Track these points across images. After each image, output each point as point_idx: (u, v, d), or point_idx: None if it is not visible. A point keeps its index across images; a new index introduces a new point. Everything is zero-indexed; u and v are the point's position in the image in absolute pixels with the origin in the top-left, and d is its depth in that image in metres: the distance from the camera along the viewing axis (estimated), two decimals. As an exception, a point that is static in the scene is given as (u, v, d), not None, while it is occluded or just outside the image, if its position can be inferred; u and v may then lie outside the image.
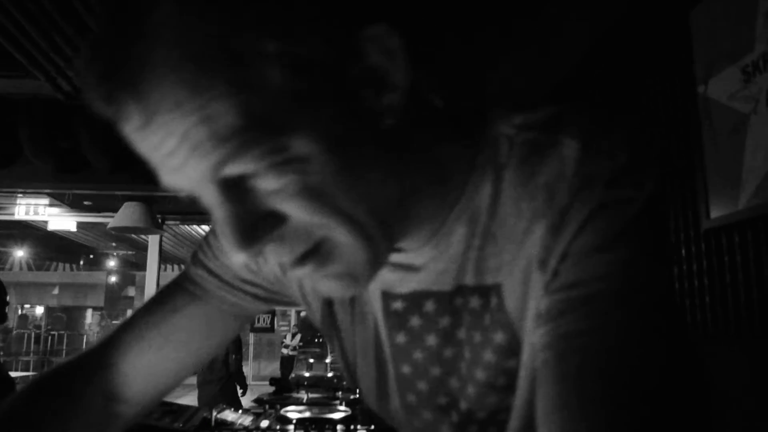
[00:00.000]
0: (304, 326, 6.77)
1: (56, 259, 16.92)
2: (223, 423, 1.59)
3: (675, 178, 1.38)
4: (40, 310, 19.95)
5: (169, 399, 2.04)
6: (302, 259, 0.52)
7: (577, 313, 0.50)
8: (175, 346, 0.78)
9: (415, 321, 0.66)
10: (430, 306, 0.64)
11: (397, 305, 0.66)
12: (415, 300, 0.65)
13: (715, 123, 1.18)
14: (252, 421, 1.65)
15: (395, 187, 0.54)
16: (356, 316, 0.72)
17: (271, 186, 0.47)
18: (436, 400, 0.69)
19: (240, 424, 1.60)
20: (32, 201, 6.80)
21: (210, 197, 0.51)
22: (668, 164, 1.41)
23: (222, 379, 5.77)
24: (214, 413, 1.61)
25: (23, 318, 19.92)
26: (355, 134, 0.50)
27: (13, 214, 7.04)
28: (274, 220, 0.49)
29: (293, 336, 11.95)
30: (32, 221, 8.07)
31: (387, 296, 0.67)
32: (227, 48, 0.44)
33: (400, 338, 0.68)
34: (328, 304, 0.75)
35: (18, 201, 6.78)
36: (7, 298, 2.30)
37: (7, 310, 2.30)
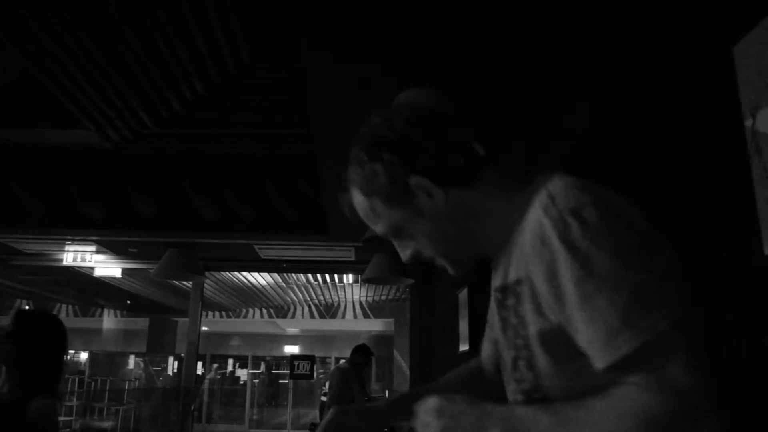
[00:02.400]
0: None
1: (101, 305, 17.19)
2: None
3: (725, 215, 1.35)
4: (84, 355, 20.23)
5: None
6: (425, 260, 1.14)
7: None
8: None
9: (507, 305, 1.05)
10: (507, 295, 1.05)
11: (498, 296, 1.09)
12: (507, 291, 1.06)
13: (765, 156, 1.15)
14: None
15: (467, 238, 1.10)
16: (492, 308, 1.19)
17: (409, 238, 1.12)
18: (512, 372, 1.07)
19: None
20: (80, 248, 6.97)
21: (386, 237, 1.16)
22: (717, 202, 1.38)
23: None
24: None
25: (68, 364, 20.19)
26: (430, 214, 1.07)
27: (61, 261, 7.22)
28: (415, 251, 1.13)
29: (332, 383, 11.83)
30: (79, 267, 8.25)
31: (494, 291, 1.12)
32: (391, 182, 1.06)
33: (503, 315, 1.08)
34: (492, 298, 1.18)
35: (66, 248, 6.96)
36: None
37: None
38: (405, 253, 1.13)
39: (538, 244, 0.91)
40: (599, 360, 0.84)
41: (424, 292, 7.28)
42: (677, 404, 0.79)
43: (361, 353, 6.78)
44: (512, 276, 1.02)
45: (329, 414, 1.27)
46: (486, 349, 1.39)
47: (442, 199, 1.04)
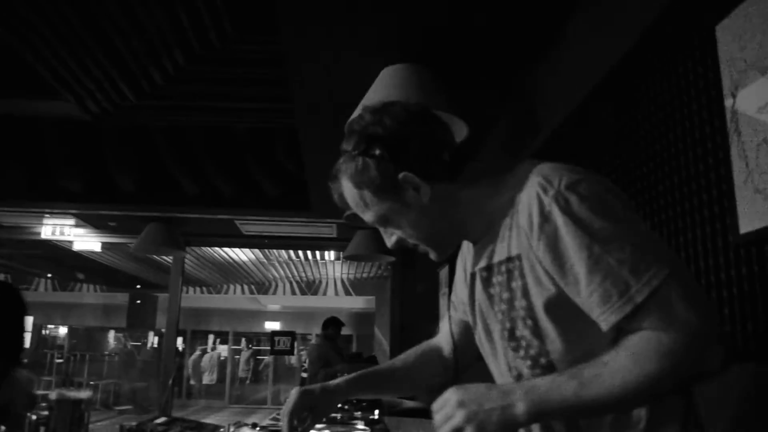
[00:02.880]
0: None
1: (80, 280, 17.06)
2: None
3: (702, 193, 1.37)
4: (63, 330, 20.10)
5: (193, 417, 2.05)
6: (409, 246, 1.23)
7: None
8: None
9: (494, 282, 1.15)
10: (493, 273, 1.15)
11: (483, 274, 1.18)
12: (487, 270, 1.17)
13: (744, 136, 1.17)
14: (271, 438, 1.65)
15: (451, 227, 1.19)
16: (474, 287, 1.23)
17: (395, 227, 1.20)
18: (508, 342, 1.13)
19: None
20: (58, 221, 6.89)
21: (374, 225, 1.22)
22: (696, 180, 1.40)
23: None
24: (232, 430, 1.60)
25: (46, 339, 20.09)
26: (416, 206, 1.14)
27: (39, 234, 7.13)
28: (400, 239, 1.22)
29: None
30: (58, 241, 8.17)
31: (479, 270, 1.19)
32: (382, 177, 1.14)
33: (490, 292, 1.17)
34: (471, 277, 1.25)
35: (44, 221, 6.87)
36: (24, 335, 2.29)
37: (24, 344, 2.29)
38: (390, 240, 1.22)
39: (539, 220, 1.01)
40: (612, 315, 0.94)
41: (405, 269, 7.31)
42: (688, 337, 0.89)
43: (333, 325, 6.85)
44: (501, 255, 1.12)
45: (292, 394, 1.32)
46: (446, 330, 1.48)
47: (428, 193, 1.14)
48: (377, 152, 1.13)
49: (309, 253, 10.87)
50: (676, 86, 1.51)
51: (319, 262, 12.09)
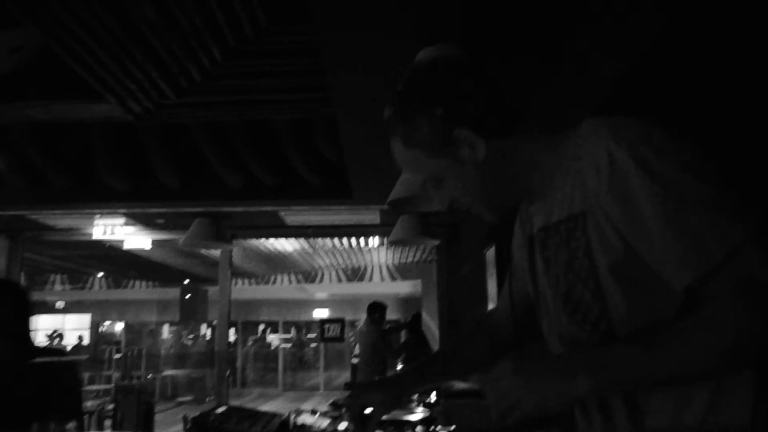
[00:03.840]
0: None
1: (133, 276, 17.52)
2: (302, 426, 1.59)
3: None
4: (119, 326, 20.73)
5: (249, 406, 2.08)
6: (462, 208, 1.19)
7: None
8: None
9: (550, 244, 1.11)
10: (550, 234, 1.11)
11: (541, 235, 1.14)
12: (544, 231, 1.13)
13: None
14: (329, 423, 1.65)
15: (505, 185, 1.14)
16: (534, 250, 1.18)
17: (447, 191, 1.17)
18: (563, 306, 1.08)
19: (318, 427, 1.60)
20: (108, 221, 7.07)
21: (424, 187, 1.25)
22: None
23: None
24: (293, 417, 1.63)
25: (104, 336, 20.74)
26: (471, 164, 1.10)
27: (91, 235, 7.34)
28: (453, 200, 1.18)
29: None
30: (109, 241, 8.39)
31: (537, 232, 1.16)
32: (435, 133, 1.11)
33: (546, 256, 1.13)
34: (530, 240, 1.21)
35: (95, 222, 7.06)
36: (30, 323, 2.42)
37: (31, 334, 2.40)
38: (444, 202, 1.17)
39: (608, 172, 0.94)
40: (687, 273, 0.87)
41: (450, 252, 7.28)
42: None
43: (378, 311, 6.87)
44: (561, 213, 1.07)
45: (351, 394, 1.30)
46: (504, 302, 1.43)
47: (483, 149, 1.08)
48: (428, 109, 1.09)
49: (353, 240, 10.93)
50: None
51: (364, 249, 12.13)
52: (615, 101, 2.23)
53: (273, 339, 20.43)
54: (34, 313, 2.43)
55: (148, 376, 14.65)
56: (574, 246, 1.03)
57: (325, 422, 1.57)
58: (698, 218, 0.86)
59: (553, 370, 0.92)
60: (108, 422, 2.11)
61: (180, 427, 1.80)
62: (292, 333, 20.26)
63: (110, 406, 1.66)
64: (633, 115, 1.00)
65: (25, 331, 2.35)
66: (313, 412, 1.72)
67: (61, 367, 2.60)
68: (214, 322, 16.62)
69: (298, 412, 1.66)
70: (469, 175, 1.11)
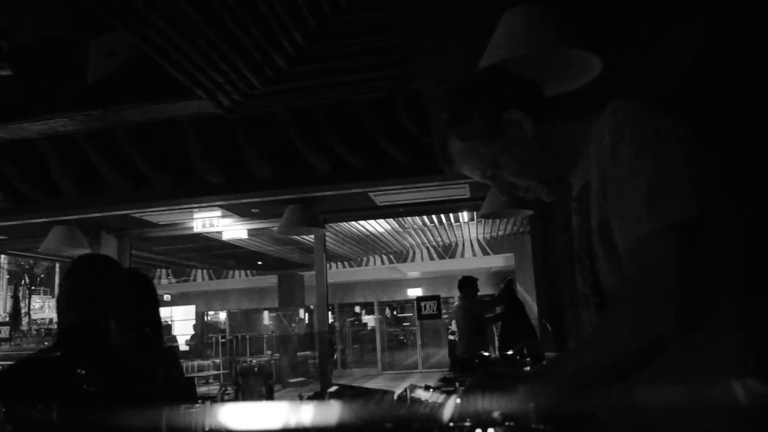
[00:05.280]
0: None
1: (232, 267, 18.21)
2: (417, 402, 1.59)
3: None
4: (222, 315, 21.63)
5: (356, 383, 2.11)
6: (520, 194, 1.31)
7: None
8: None
9: (579, 209, 1.24)
10: (577, 200, 1.25)
11: (574, 206, 1.27)
12: (578, 197, 1.26)
13: None
14: (445, 398, 1.63)
15: (553, 161, 1.27)
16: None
17: (504, 176, 1.30)
18: (576, 265, 1.24)
19: (434, 402, 1.58)
20: (206, 215, 7.33)
21: (482, 179, 1.33)
22: None
23: None
24: (408, 392, 1.62)
25: (210, 324, 21.72)
26: (522, 143, 1.25)
27: (192, 228, 7.64)
28: (510, 184, 1.31)
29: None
30: (208, 233, 8.72)
31: (573, 201, 1.29)
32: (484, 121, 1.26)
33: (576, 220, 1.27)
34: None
35: (194, 216, 7.34)
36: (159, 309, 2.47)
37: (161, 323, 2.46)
38: (503, 188, 1.32)
39: (598, 150, 1.12)
40: (621, 243, 1.04)
41: (544, 222, 7.10)
42: (659, 305, 0.95)
43: (468, 285, 6.79)
44: (579, 185, 1.26)
45: (468, 390, 1.25)
46: None
47: (530, 128, 1.24)
48: (476, 101, 1.26)
49: (443, 216, 10.87)
50: None
51: (454, 224, 12.06)
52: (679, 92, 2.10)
53: (369, 320, 20.74)
54: (157, 302, 2.52)
55: (253, 361, 15.20)
56: (584, 211, 1.20)
57: (440, 397, 1.56)
58: (640, 198, 1.00)
59: (507, 378, 1.13)
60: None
61: (293, 407, 1.82)
62: (387, 312, 20.51)
63: (229, 389, 1.70)
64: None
65: (152, 319, 2.45)
66: (427, 388, 1.71)
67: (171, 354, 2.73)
68: (312, 306, 17.06)
69: (413, 389, 1.66)
70: (521, 154, 1.26)
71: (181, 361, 2.59)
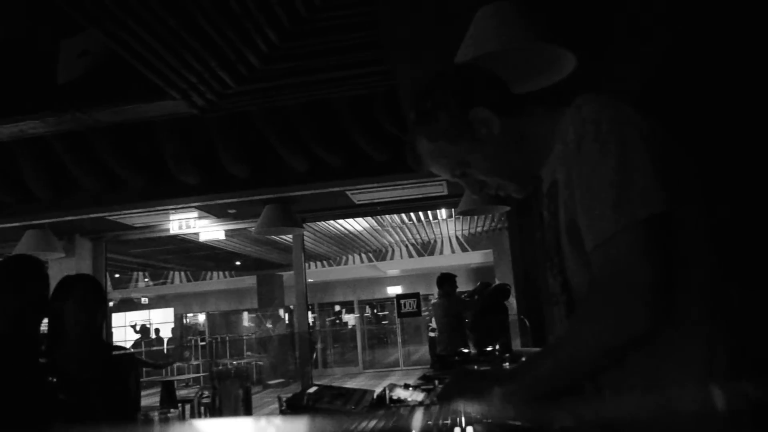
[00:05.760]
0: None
1: (210, 268, 18.06)
2: (398, 400, 1.58)
3: None
4: (201, 317, 21.46)
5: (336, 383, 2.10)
6: (491, 192, 1.32)
7: None
8: None
9: (548, 206, 1.22)
10: (547, 197, 1.23)
11: (545, 201, 1.24)
12: (547, 195, 1.23)
13: None
14: (425, 397, 1.63)
15: (522, 160, 1.27)
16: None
17: (474, 174, 1.29)
18: (546, 263, 1.24)
19: (413, 401, 1.58)
20: (183, 216, 7.26)
21: (452, 179, 1.32)
22: None
23: None
24: (387, 392, 1.62)
25: (188, 327, 21.54)
26: (490, 141, 1.24)
27: (168, 230, 7.56)
28: (481, 182, 1.31)
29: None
30: (185, 234, 8.64)
31: (543, 197, 1.26)
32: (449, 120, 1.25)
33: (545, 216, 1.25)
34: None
35: (171, 217, 7.27)
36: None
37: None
38: (474, 187, 1.32)
39: (564, 147, 1.11)
40: (588, 242, 1.03)
41: (521, 217, 7.14)
42: (628, 306, 0.95)
43: (448, 283, 6.81)
44: (548, 182, 1.23)
45: (443, 394, 1.27)
46: None
47: (498, 125, 1.23)
48: (442, 100, 1.25)
49: (421, 214, 10.89)
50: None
51: (432, 222, 12.09)
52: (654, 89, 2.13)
53: (349, 318, 20.71)
54: (103, 307, 2.42)
55: (233, 362, 15.11)
56: (552, 208, 1.19)
57: (420, 395, 1.56)
58: (605, 197, 0.99)
59: (481, 379, 1.16)
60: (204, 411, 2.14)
61: (272, 408, 1.81)
62: (367, 311, 20.50)
63: (206, 393, 1.68)
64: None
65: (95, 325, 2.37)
66: (407, 387, 1.71)
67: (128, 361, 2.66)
68: (292, 306, 16.99)
69: (392, 387, 1.65)
70: (490, 152, 1.25)
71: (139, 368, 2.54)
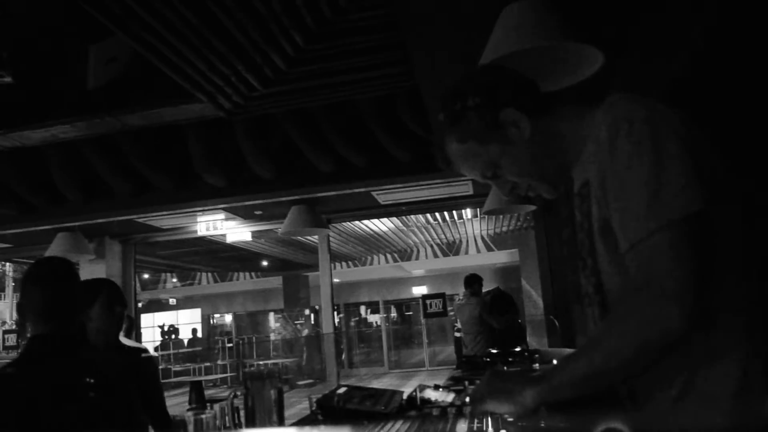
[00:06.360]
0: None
1: (237, 269, 18.21)
2: (427, 401, 1.58)
3: None
4: (228, 318, 21.65)
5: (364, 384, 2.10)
6: (522, 194, 1.30)
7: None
8: None
9: (580, 207, 1.21)
10: (575, 201, 1.23)
11: (576, 202, 1.23)
12: (579, 194, 1.22)
13: None
14: (455, 398, 1.62)
15: (553, 159, 1.25)
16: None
17: (505, 175, 1.27)
18: (579, 262, 1.22)
19: (443, 402, 1.58)
20: (210, 218, 7.34)
21: (482, 180, 1.31)
22: None
23: None
24: (417, 392, 1.62)
25: (215, 327, 21.74)
26: (520, 142, 1.23)
27: (195, 232, 7.64)
28: (512, 183, 1.29)
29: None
30: (212, 236, 8.72)
31: (575, 197, 1.24)
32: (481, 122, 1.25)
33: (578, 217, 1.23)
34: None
35: (198, 219, 7.35)
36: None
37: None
38: (505, 188, 1.31)
39: (596, 147, 1.12)
40: (622, 243, 1.02)
41: (547, 217, 7.09)
42: (657, 306, 0.94)
43: (475, 282, 6.77)
44: (581, 181, 1.22)
45: (474, 397, 1.26)
46: None
47: (528, 126, 1.22)
48: (472, 102, 1.24)
49: (447, 214, 10.86)
50: None
51: (457, 221, 12.04)
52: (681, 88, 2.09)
53: (375, 319, 20.73)
54: (120, 309, 2.48)
55: (264, 364, 15.21)
56: (585, 208, 1.18)
57: (450, 396, 1.55)
58: (640, 199, 0.99)
59: (513, 380, 1.11)
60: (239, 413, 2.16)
61: (301, 408, 1.82)
62: (392, 311, 20.50)
63: (239, 393, 1.70)
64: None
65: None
66: (437, 387, 1.71)
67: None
68: (317, 307, 17.07)
69: (422, 388, 1.65)
70: (520, 153, 1.24)
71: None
